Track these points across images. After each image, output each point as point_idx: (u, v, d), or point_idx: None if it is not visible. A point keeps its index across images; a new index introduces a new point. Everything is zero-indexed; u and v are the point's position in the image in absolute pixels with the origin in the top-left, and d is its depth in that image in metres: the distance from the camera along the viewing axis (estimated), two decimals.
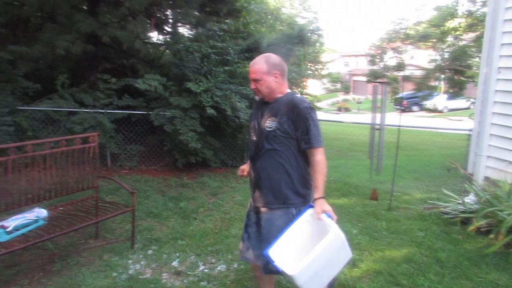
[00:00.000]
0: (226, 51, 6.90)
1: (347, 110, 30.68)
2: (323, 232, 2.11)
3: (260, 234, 2.44)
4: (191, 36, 7.95)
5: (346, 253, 2.21)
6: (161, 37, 9.31)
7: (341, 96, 40.68)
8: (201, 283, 3.19)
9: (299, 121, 2.23)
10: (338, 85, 45.45)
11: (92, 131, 5.42)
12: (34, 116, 6.26)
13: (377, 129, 5.06)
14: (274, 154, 2.29)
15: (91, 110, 6.33)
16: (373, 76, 19.17)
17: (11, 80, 6.16)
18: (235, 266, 3.51)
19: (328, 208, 2.18)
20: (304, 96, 12.86)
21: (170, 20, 8.93)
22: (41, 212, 3.26)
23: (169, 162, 6.87)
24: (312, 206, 2.26)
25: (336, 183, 6.58)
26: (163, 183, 6.00)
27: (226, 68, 6.79)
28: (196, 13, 7.83)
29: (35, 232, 3.07)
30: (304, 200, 2.36)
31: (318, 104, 16.00)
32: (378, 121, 5.07)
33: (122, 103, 6.58)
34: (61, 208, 3.60)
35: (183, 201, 5.16)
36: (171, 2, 7.62)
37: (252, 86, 2.34)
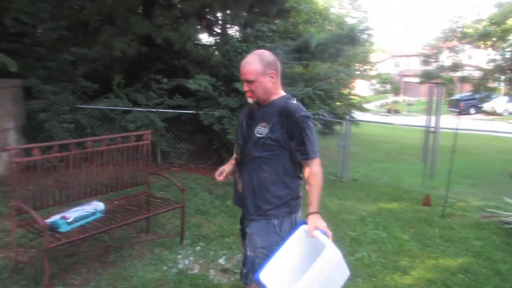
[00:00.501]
0: (275, 52, 6.89)
1: (396, 112, 29.65)
2: (318, 250, 1.96)
3: None
4: (239, 37, 8.04)
5: (343, 272, 2.04)
6: (211, 38, 9.51)
7: (390, 98, 39.41)
8: None
9: (294, 130, 2.06)
10: (388, 86, 44.09)
11: (145, 129, 5.62)
12: (92, 114, 6.60)
13: (432, 132, 4.85)
14: (261, 162, 2.12)
15: (144, 109, 6.58)
16: (427, 77, 18.36)
17: (73, 80, 6.54)
18: None
19: (322, 224, 2.02)
20: (352, 96, 12.59)
21: (220, 22, 9.10)
22: (99, 205, 3.43)
23: (217, 161, 6.97)
24: (305, 223, 2.09)
25: (386, 186, 6.38)
26: (211, 181, 6.10)
27: None
28: (245, 14, 7.91)
29: (93, 224, 3.23)
30: (289, 211, 2.18)
31: (366, 106, 15.58)
32: (432, 123, 4.86)
33: (173, 103, 6.78)
34: (116, 202, 3.76)
35: (229, 199, 5.22)
36: (221, 3, 7.76)
37: (245, 88, 2.12)
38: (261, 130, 2.09)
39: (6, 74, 5.31)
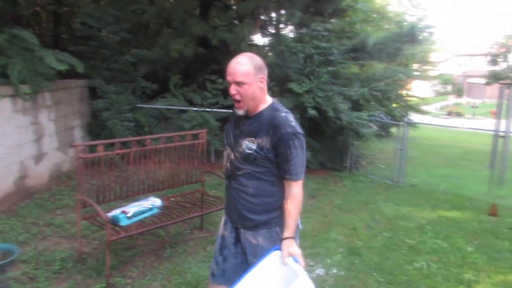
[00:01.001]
0: (330, 52, 6.78)
1: (458, 114, 28.02)
2: (290, 279, 1.81)
3: (240, 255, 2.16)
4: (294, 37, 7.99)
5: None
6: (265, 39, 9.54)
7: (451, 99, 37.33)
8: None
9: (279, 147, 1.92)
10: (449, 87, 41.81)
11: (199, 129, 5.73)
12: (150, 113, 6.86)
13: (501, 137, 4.49)
14: (253, 177, 1.99)
15: (199, 109, 6.72)
16: (494, 78, 17.18)
17: (133, 80, 6.84)
18: (334, 271, 3.41)
19: (296, 251, 1.89)
20: (411, 97, 12.03)
21: (274, 22, 9.09)
22: (156, 201, 3.54)
23: None
24: (278, 248, 1.95)
25: (447, 193, 6.03)
26: None
27: (329, 68, 6.67)
28: (300, 13, 7.84)
29: (150, 219, 3.34)
30: None
31: (425, 108, 14.84)
32: (502, 127, 4.50)
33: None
34: (172, 199, 3.87)
35: None
36: (276, 4, 7.75)
37: (233, 91, 1.92)
38: (250, 145, 1.95)
39: (73, 75, 5.66)
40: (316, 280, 3.22)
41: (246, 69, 1.90)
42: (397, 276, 3.32)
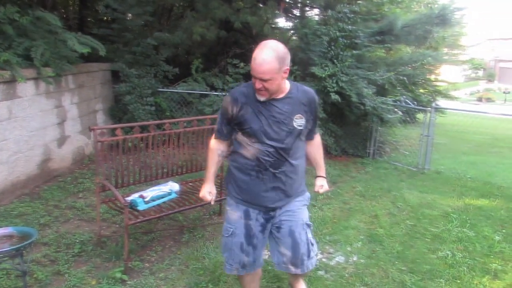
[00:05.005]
0: (356, 34, 6.57)
1: (489, 100, 27.00)
2: None
3: (272, 235, 2.29)
4: (319, 20, 7.77)
5: None
6: (289, 23, 9.32)
7: (482, 85, 35.96)
8: (318, 272, 3.10)
9: (316, 114, 2.23)
10: (480, 73, 40.27)
11: None
12: (171, 97, 6.85)
13: None
14: (300, 148, 2.20)
15: (220, 94, 6.66)
16: None
17: (155, 64, 6.83)
18: (354, 259, 3.34)
19: (327, 187, 2.42)
20: (439, 82, 11.62)
21: (299, 4, 8.86)
22: (174, 186, 3.53)
23: None
24: None
25: (474, 181, 5.82)
26: None
27: (354, 52, 6.47)
28: None
29: (168, 204, 3.33)
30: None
31: (454, 93, 14.31)
32: None
33: None
34: (191, 184, 3.85)
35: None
36: None
37: (258, 85, 1.97)
38: (299, 122, 2.10)
39: (96, 59, 5.68)
40: (336, 268, 3.17)
41: (271, 67, 1.92)
42: (419, 265, 3.24)
